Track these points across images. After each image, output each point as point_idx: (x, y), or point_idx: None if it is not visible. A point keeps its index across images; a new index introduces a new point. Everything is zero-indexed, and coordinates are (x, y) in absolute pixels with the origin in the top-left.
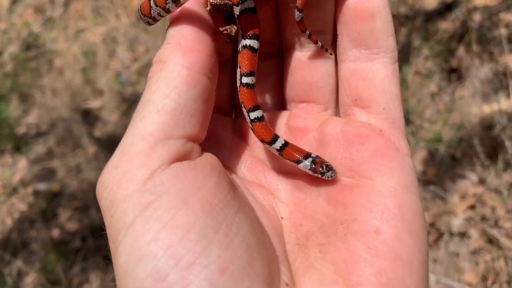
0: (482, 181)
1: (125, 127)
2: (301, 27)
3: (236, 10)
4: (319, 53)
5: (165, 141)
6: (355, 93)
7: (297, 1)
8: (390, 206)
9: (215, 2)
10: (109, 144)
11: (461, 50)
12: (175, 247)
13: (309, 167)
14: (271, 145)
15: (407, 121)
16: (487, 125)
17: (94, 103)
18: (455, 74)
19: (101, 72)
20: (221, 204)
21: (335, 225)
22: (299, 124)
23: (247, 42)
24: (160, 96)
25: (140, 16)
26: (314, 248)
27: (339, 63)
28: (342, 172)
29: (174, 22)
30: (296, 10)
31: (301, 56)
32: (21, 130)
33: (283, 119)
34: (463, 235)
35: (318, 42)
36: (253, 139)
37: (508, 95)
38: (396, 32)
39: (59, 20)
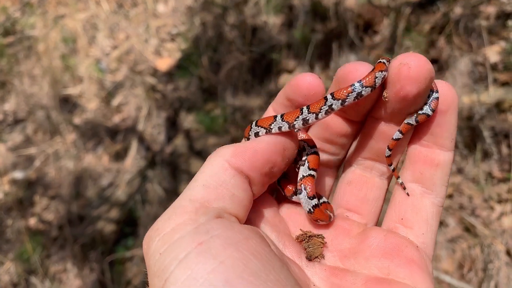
0: (460, 171)
1: (104, 114)
2: (388, 162)
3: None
4: (376, 176)
5: (208, 207)
6: (403, 213)
7: (389, 143)
8: None
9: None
10: (88, 132)
11: (442, 42)
12: (233, 282)
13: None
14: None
15: None
16: (466, 116)
17: (73, 90)
18: (435, 65)
19: (80, 59)
20: (268, 256)
21: None
22: (344, 226)
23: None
24: (205, 176)
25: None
26: None
27: (395, 188)
28: (380, 268)
29: (255, 135)
30: (387, 148)
31: (362, 174)
32: None
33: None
34: (440, 223)
35: (400, 178)
36: (294, 223)
37: (487, 86)
38: (378, 23)
39: (37, 6)
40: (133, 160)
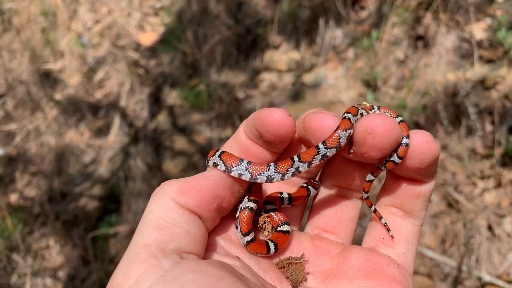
0: (444, 147)
1: (86, 90)
2: (368, 204)
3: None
4: (350, 199)
5: (165, 250)
6: (384, 233)
7: (364, 185)
8: None
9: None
10: (70, 107)
11: (428, 18)
12: None
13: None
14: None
15: (374, 87)
16: (451, 93)
17: (54, 65)
18: (421, 42)
19: (61, 33)
20: None
21: None
22: (324, 246)
23: (250, 204)
24: (153, 217)
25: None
26: None
27: (378, 209)
28: None
29: (213, 166)
30: (364, 191)
31: (336, 198)
32: None
33: (307, 237)
34: None
35: (383, 219)
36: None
37: (472, 63)
38: None
39: None
40: (116, 136)
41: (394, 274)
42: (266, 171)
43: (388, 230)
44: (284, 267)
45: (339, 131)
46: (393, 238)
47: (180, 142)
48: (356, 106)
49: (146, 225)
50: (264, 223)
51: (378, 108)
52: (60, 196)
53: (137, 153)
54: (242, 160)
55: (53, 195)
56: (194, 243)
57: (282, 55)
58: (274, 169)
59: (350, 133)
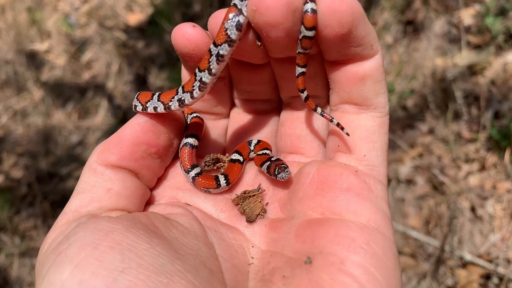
0: (430, 131)
1: (73, 71)
2: (311, 106)
3: (188, 118)
4: (311, 111)
5: (81, 213)
6: (338, 139)
7: (297, 83)
8: (357, 240)
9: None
10: (57, 89)
11: (418, 3)
12: (86, 281)
13: (266, 169)
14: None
15: None
16: (439, 77)
17: (40, 46)
18: (411, 26)
19: (48, 13)
20: (133, 242)
21: (301, 259)
22: None
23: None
24: (79, 184)
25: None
26: (278, 281)
27: (330, 113)
28: (313, 208)
29: (134, 109)
30: (299, 91)
31: (294, 112)
32: None
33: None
34: (409, 182)
35: (334, 119)
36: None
37: (460, 49)
38: None
39: None
40: (104, 117)
41: (348, 183)
42: (176, 95)
43: (342, 129)
44: (239, 203)
45: (224, 22)
46: (348, 135)
47: None
48: None
49: (73, 194)
50: (215, 161)
51: None
52: (47, 177)
53: None
54: (154, 93)
55: (41, 175)
56: (117, 199)
57: None
58: (182, 90)
59: (238, 20)
